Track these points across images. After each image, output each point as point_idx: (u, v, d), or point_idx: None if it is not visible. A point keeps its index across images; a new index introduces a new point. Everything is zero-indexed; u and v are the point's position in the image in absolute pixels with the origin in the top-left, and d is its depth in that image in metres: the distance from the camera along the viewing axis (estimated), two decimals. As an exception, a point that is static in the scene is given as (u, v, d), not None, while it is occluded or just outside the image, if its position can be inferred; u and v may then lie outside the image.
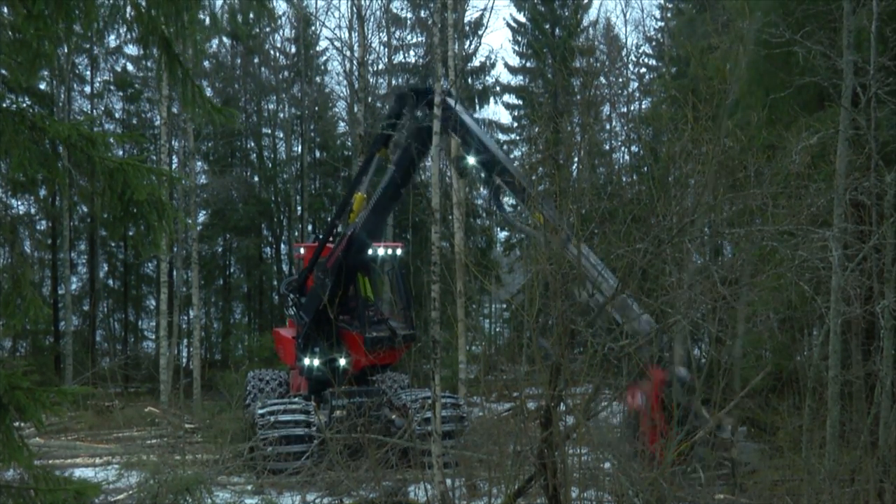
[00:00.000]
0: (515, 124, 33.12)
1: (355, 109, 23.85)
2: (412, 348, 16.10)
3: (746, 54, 13.06)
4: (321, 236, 16.58)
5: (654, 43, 35.38)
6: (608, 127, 32.66)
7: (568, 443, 8.70)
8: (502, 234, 32.51)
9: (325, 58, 34.25)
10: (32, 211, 27.91)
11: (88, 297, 30.14)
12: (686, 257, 9.22)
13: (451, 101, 13.48)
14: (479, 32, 28.95)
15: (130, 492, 11.52)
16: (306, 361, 15.44)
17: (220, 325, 33.07)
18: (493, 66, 31.35)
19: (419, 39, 30.89)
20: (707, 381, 10.34)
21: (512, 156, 33.05)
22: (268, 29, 32.60)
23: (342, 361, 14.86)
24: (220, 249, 33.36)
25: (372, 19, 28.04)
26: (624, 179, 28.66)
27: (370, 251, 15.42)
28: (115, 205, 4.81)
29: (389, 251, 16.08)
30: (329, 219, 24.69)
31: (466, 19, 26.55)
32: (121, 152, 22.07)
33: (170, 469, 11.19)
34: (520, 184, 11.87)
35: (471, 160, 13.11)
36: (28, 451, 5.23)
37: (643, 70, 36.25)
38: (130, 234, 5.37)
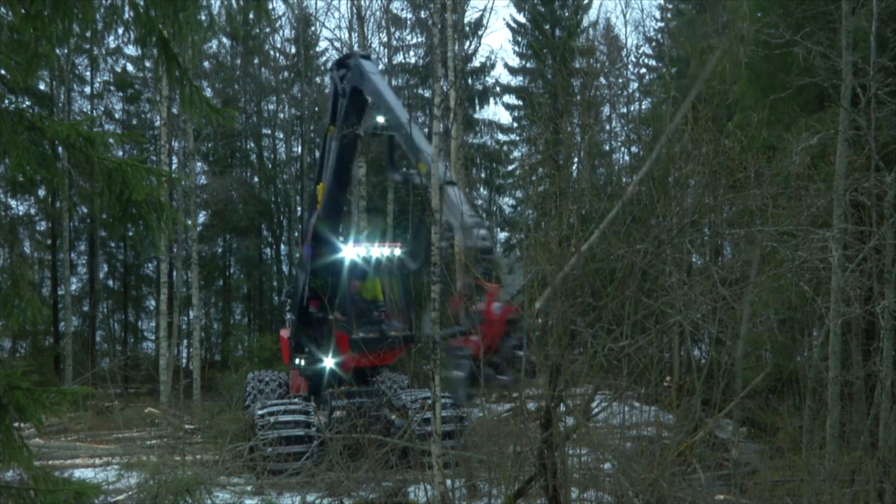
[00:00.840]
0: (515, 125, 33.17)
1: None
2: (412, 350, 15.97)
3: (745, 54, 13.06)
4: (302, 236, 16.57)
5: (653, 43, 35.40)
6: (608, 127, 32.68)
7: (568, 443, 8.70)
8: (502, 235, 32.54)
9: (324, 58, 34.27)
10: (32, 212, 27.96)
11: (88, 298, 30.16)
12: (686, 258, 9.23)
13: (365, 62, 13.50)
14: (479, 33, 29.02)
15: (130, 492, 11.51)
16: (297, 361, 15.44)
17: (219, 326, 33.09)
18: (492, 66, 31.44)
19: (419, 40, 30.93)
20: (707, 381, 10.34)
21: (512, 156, 33.12)
22: (267, 30, 32.63)
23: (331, 362, 14.84)
24: (219, 250, 33.39)
25: (372, 20, 28.09)
26: (624, 180, 28.66)
27: (361, 251, 15.29)
28: (114, 205, 4.81)
29: (387, 252, 15.92)
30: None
31: (466, 20, 26.58)
32: (121, 153, 22.08)
33: (170, 470, 11.18)
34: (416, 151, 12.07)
35: (380, 119, 13.18)
36: (28, 451, 5.23)
37: (643, 71, 36.30)
38: (130, 234, 5.37)
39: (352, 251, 14.96)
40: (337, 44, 31.88)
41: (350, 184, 16.23)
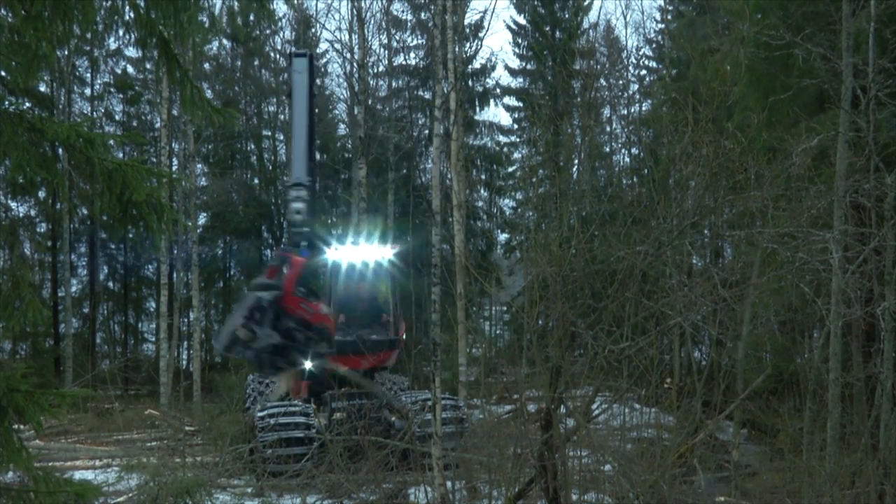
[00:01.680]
0: (516, 126, 33.15)
1: (355, 112, 23.86)
2: (394, 356, 15.61)
3: (746, 57, 13.07)
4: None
5: (654, 45, 35.40)
6: (608, 129, 32.67)
7: (568, 445, 8.70)
8: (503, 237, 32.54)
9: (325, 60, 34.26)
10: (32, 213, 27.93)
11: (88, 300, 30.13)
12: (686, 259, 9.22)
13: (296, 60, 13.90)
14: (480, 35, 28.97)
15: (130, 494, 11.51)
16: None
17: (219, 328, 33.01)
18: (493, 68, 31.38)
19: (419, 42, 30.92)
20: (708, 383, 10.33)
21: (513, 158, 33.14)
22: (268, 31, 32.61)
23: (308, 364, 14.99)
24: (220, 252, 33.34)
25: (372, 21, 28.04)
26: (624, 182, 28.68)
27: (347, 254, 15.31)
28: (114, 206, 4.80)
29: (376, 254, 15.61)
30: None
31: (467, 21, 26.56)
32: (121, 154, 22.09)
33: (170, 471, 11.18)
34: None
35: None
36: (27, 453, 5.22)
37: (643, 72, 36.28)
38: (130, 235, 5.37)
39: (338, 253, 15.04)
40: (337, 45, 31.95)
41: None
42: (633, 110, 34.28)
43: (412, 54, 31.16)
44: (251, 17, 31.28)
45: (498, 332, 33.76)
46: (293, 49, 15.41)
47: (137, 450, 15.30)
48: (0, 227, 25.43)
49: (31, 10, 4.25)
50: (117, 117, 31.37)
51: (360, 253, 15.42)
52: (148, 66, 28.20)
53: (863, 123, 10.74)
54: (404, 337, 15.73)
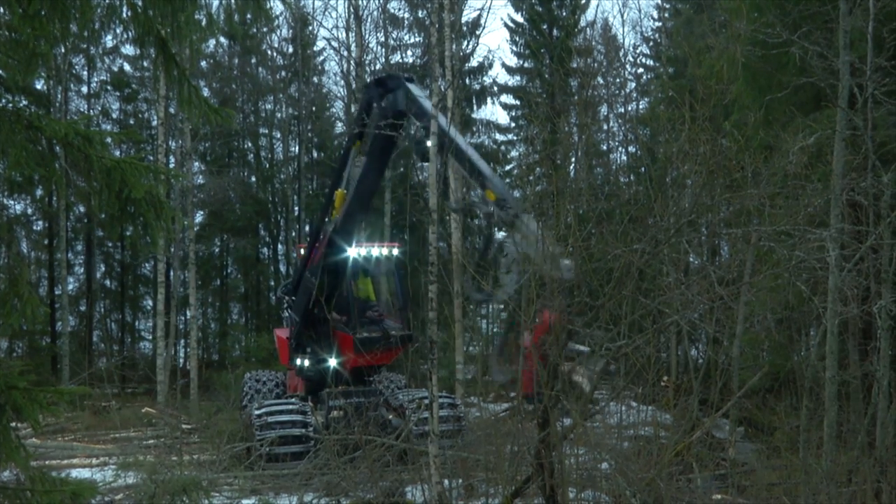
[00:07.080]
0: (513, 124, 33.15)
1: (353, 109, 23.85)
2: (409, 349, 15.93)
3: (743, 55, 13.06)
4: (310, 237, 16.50)
5: (651, 43, 35.42)
6: (605, 127, 32.68)
7: (565, 443, 8.71)
8: (500, 235, 32.49)
9: (322, 58, 34.30)
10: (29, 211, 27.91)
11: (85, 298, 30.12)
12: (683, 257, 9.23)
13: (412, 86, 12.65)
14: (477, 33, 28.95)
15: (127, 492, 11.51)
16: (298, 361, 15.48)
17: (217, 326, 33.04)
18: (490, 66, 31.41)
19: (417, 40, 30.90)
20: (704, 381, 10.36)
21: (510, 156, 33.14)
22: (265, 29, 32.59)
23: (332, 362, 14.87)
24: (217, 250, 33.32)
25: (369, 19, 28.06)
26: (621, 180, 28.68)
27: (361, 251, 15.35)
28: (113, 203, 4.80)
29: (385, 251, 16.03)
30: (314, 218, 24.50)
31: (464, 19, 26.56)
32: (118, 152, 22.04)
33: (167, 470, 11.18)
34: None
35: (429, 143, 11.86)
36: (25, 451, 5.22)
37: (640, 70, 36.30)
38: (128, 233, 5.38)
39: (354, 251, 15.06)
40: (334, 43, 31.92)
41: (370, 202, 15.59)
42: (630, 108, 34.33)
43: (409, 52, 31.19)
44: (248, 16, 31.27)
45: (495, 330, 33.75)
46: (397, 73, 12.97)
47: (134, 448, 15.31)
48: (-3, 225, 25.40)
49: (28, 9, 4.24)
50: (114, 115, 31.35)
51: (369, 251, 15.64)
52: (145, 63, 28.19)
53: (859, 122, 10.74)
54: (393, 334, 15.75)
